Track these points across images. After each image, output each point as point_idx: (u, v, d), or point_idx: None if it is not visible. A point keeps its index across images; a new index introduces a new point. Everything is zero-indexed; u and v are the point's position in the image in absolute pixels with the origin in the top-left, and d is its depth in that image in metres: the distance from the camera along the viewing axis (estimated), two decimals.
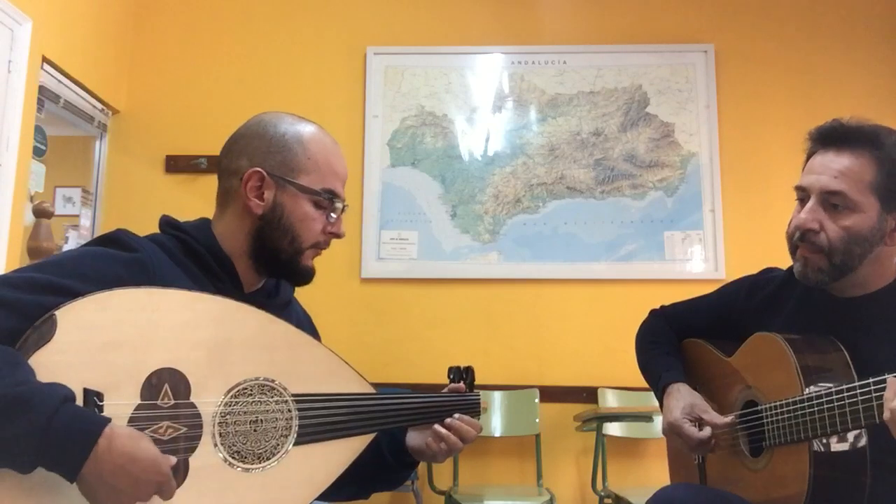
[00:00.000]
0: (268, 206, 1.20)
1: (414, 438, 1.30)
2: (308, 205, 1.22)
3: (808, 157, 1.37)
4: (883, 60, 3.42)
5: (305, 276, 1.26)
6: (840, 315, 1.34)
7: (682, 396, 1.49)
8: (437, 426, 1.26)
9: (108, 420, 0.92)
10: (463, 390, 1.33)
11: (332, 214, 1.24)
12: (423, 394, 1.28)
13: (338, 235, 1.26)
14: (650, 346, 1.68)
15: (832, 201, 1.29)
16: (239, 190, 1.20)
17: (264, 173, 1.19)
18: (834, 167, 1.29)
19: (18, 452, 0.87)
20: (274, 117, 1.25)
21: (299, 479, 1.11)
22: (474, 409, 1.31)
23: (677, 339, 1.66)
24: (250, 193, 1.19)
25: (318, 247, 1.26)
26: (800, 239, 1.33)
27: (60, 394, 0.90)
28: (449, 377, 1.37)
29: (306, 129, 1.25)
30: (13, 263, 2.64)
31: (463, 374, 1.36)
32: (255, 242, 1.22)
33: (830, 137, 1.33)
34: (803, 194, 1.34)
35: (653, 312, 1.73)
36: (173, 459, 0.97)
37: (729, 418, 1.43)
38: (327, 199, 1.23)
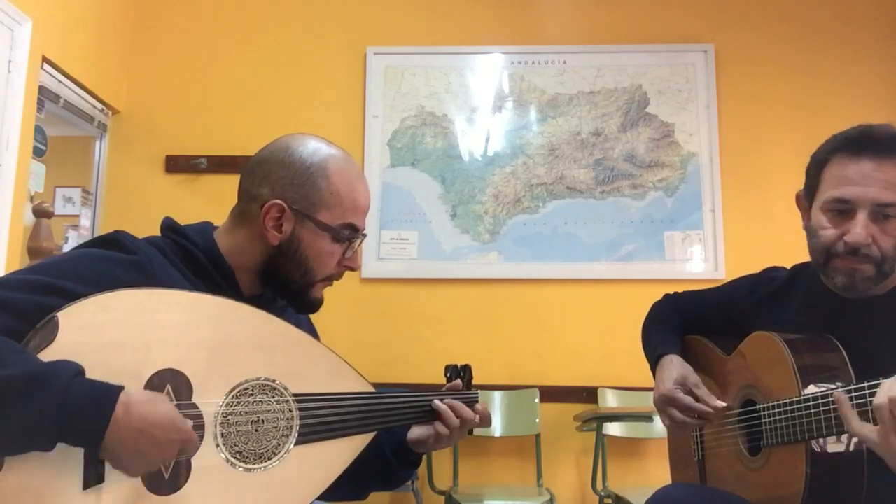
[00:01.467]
0: (285, 238, 1.19)
1: (415, 431, 1.31)
2: (326, 240, 1.21)
3: (826, 162, 1.32)
4: (883, 60, 3.42)
5: (312, 307, 1.25)
6: (843, 316, 1.34)
7: (675, 367, 1.48)
8: (447, 400, 1.27)
9: (122, 387, 0.93)
10: (460, 387, 1.33)
11: (350, 249, 1.24)
12: (422, 392, 1.28)
13: (353, 268, 1.26)
14: (654, 323, 1.68)
15: (885, 212, 1.26)
16: (257, 216, 1.19)
17: (285, 206, 1.18)
18: (880, 177, 1.25)
19: (37, 429, 0.88)
20: (300, 144, 1.23)
21: (301, 478, 1.11)
22: (473, 407, 1.31)
23: (684, 324, 1.66)
24: (268, 224, 1.18)
25: (331, 279, 1.25)
26: (850, 253, 1.28)
27: (72, 368, 0.91)
28: (446, 375, 1.37)
29: (332, 160, 1.22)
30: (13, 263, 2.64)
31: (460, 373, 1.36)
32: (267, 268, 1.21)
33: (861, 145, 1.28)
34: (845, 206, 1.29)
35: (666, 296, 1.73)
36: (189, 422, 0.99)
37: (721, 403, 1.42)
38: (346, 234, 1.22)
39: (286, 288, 1.23)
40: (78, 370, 0.92)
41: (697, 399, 1.42)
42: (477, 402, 1.32)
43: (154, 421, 0.93)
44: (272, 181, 1.20)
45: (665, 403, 1.46)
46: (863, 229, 1.26)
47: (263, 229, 1.19)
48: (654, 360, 1.56)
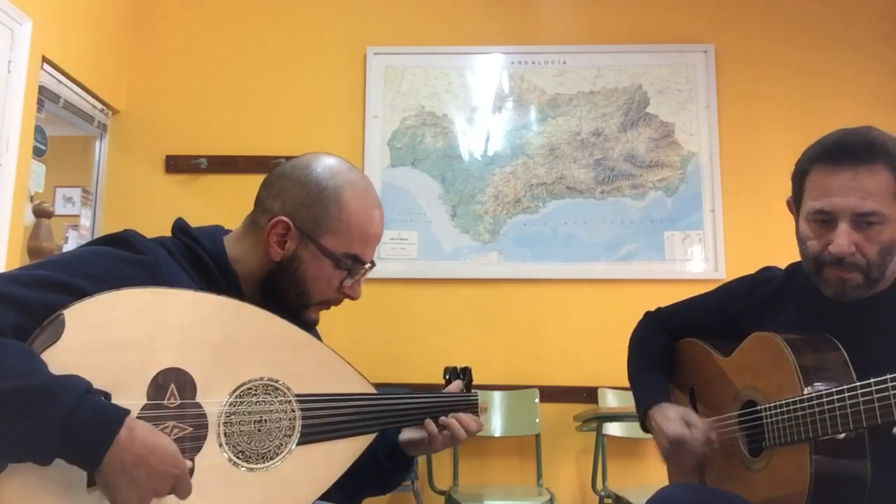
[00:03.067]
0: (286, 256, 1.19)
1: (407, 433, 1.30)
2: (326, 265, 1.20)
3: (807, 173, 1.35)
4: (883, 60, 3.43)
5: (305, 327, 1.24)
6: (841, 315, 1.34)
7: (672, 411, 1.49)
8: (442, 418, 1.27)
9: (128, 411, 0.93)
10: (461, 387, 1.34)
11: (349, 278, 1.23)
12: (424, 393, 1.28)
13: (351, 298, 1.25)
14: (639, 356, 1.68)
15: (867, 220, 1.27)
16: (264, 229, 1.20)
17: (291, 225, 1.18)
18: (858, 187, 1.27)
19: (39, 444, 0.87)
20: (320, 165, 1.22)
21: (302, 478, 1.11)
22: (473, 409, 1.32)
23: (670, 343, 1.66)
24: (272, 239, 1.19)
25: (329, 303, 1.25)
26: (836, 263, 1.30)
27: (82, 385, 0.90)
28: (445, 377, 1.37)
29: (348, 188, 1.21)
30: (13, 263, 2.64)
31: (460, 375, 1.36)
32: (266, 281, 1.22)
33: (838, 155, 1.30)
34: (827, 217, 1.30)
35: (647, 315, 1.72)
36: (189, 462, 0.98)
37: (710, 419, 1.44)
38: (348, 263, 1.21)
39: (282, 304, 1.22)
40: (87, 388, 0.91)
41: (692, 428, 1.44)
42: (477, 403, 1.33)
43: (155, 449, 0.92)
44: (285, 197, 1.20)
45: (678, 444, 1.46)
46: (844, 239, 1.28)
47: (267, 244, 1.19)
48: (640, 411, 1.57)
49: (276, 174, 1.24)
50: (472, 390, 1.36)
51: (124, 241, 1.11)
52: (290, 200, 1.19)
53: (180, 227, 1.23)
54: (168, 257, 1.13)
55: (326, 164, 1.22)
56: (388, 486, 1.37)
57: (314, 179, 1.20)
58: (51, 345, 0.94)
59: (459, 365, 1.38)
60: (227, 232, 1.27)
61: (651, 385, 1.59)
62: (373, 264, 1.25)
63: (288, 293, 1.21)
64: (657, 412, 1.52)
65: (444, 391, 1.33)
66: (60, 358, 0.94)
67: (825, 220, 1.31)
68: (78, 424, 0.87)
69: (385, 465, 1.31)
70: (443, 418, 1.27)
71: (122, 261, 1.07)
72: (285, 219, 1.18)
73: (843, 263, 1.29)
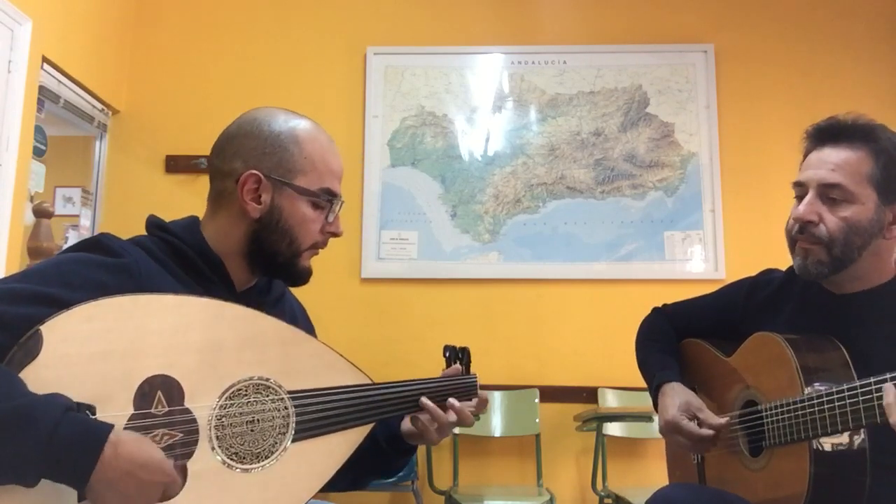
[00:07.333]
0: (265, 209, 1.18)
1: (408, 423, 1.28)
2: (306, 206, 1.20)
3: (806, 155, 1.39)
4: (882, 60, 3.42)
5: (302, 277, 1.24)
6: (839, 312, 1.35)
7: (677, 394, 1.49)
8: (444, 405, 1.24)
9: (111, 426, 0.91)
10: (460, 371, 1.31)
11: (331, 214, 1.23)
12: (419, 380, 1.25)
13: (336, 234, 1.25)
14: (648, 343, 1.68)
15: (830, 194, 1.31)
16: (234, 192, 1.18)
17: (261, 176, 1.17)
18: (831, 160, 1.31)
19: (23, 467, 0.86)
20: (267, 115, 1.23)
21: (300, 474, 1.10)
22: (472, 390, 1.29)
23: (677, 337, 1.67)
24: (247, 196, 1.17)
25: (317, 247, 1.24)
26: (799, 232, 1.34)
27: (62, 404, 0.89)
28: (444, 355, 1.34)
29: (301, 127, 1.22)
30: (13, 263, 2.64)
31: (458, 354, 1.34)
32: (252, 245, 1.20)
33: (827, 134, 1.35)
34: (801, 190, 1.36)
35: (655, 310, 1.74)
36: (171, 460, 0.97)
37: (724, 419, 1.43)
38: (325, 199, 1.21)
39: (274, 262, 1.21)
40: (68, 406, 0.89)
41: (701, 422, 1.43)
42: (475, 385, 1.30)
43: (142, 462, 0.91)
44: (244, 154, 1.19)
45: (671, 431, 1.47)
46: (805, 206, 1.32)
47: (242, 203, 1.18)
48: (653, 388, 1.57)
49: (224, 138, 1.23)
50: (472, 373, 1.32)
51: (99, 245, 1.09)
52: (251, 154, 1.19)
53: (155, 223, 1.21)
54: (146, 257, 1.12)
55: (271, 113, 1.23)
56: (389, 471, 1.35)
57: (266, 128, 1.20)
58: (29, 362, 0.91)
59: (459, 345, 1.35)
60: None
61: (663, 364, 1.59)
62: (342, 201, 1.25)
63: (278, 247, 1.19)
64: (667, 390, 1.51)
65: (441, 373, 1.31)
66: (40, 374, 0.92)
67: (800, 195, 1.36)
68: (60, 446, 0.86)
69: (385, 449, 1.29)
70: (449, 401, 1.24)
71: (98, 266, 1.05)
72: (254, 172, 1.17)
73: (805, 232, 1.32)
